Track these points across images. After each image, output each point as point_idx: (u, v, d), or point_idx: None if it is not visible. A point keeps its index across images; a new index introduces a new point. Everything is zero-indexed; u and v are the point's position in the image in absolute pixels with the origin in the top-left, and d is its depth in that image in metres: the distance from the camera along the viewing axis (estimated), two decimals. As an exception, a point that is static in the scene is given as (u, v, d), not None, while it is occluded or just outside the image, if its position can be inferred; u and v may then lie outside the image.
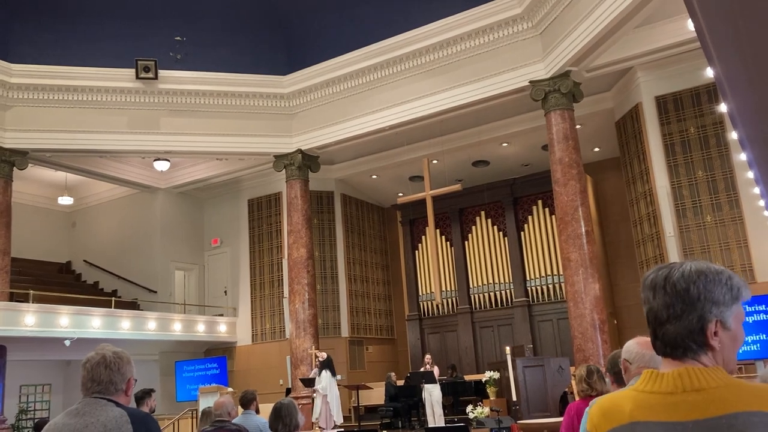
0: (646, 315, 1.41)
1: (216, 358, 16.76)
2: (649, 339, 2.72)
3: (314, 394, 12.92)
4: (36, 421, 13.96)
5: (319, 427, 12.02)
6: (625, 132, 13.92)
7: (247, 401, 6.00)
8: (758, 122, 2.75)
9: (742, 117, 3.03)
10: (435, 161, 15.88)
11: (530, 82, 12.42)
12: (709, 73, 6.25)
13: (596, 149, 16.34)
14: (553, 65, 12.04)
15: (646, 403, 1.31)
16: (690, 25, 6.50)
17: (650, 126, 12.80)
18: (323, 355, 13.01)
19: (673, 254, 12.01)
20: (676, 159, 12.46)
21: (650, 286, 1.38)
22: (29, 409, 15.78)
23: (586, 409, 2.99)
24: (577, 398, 4.45)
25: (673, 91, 12.64)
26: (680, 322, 1.35)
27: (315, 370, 13.32)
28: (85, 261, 18.91)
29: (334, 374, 12.91)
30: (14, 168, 14.09)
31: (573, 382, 11.00)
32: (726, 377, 1.32)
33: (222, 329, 17.60)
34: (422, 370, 13.26)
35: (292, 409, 4.54)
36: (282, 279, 17.01)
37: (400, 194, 16.79)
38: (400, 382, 15.13)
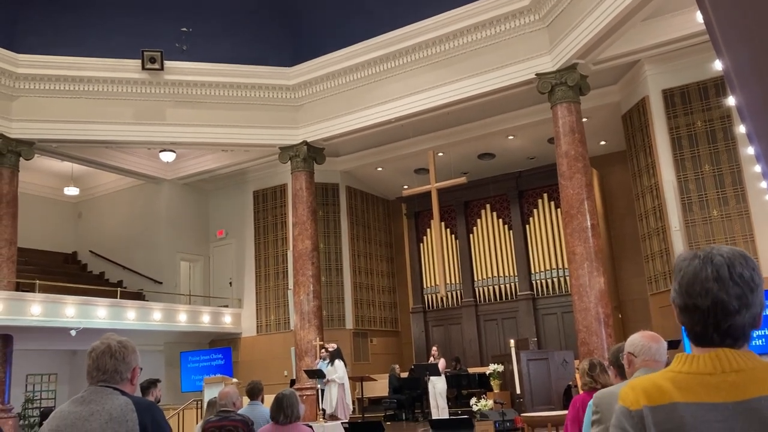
0: (706, 309, 1.33)
1: (221, 349, 16.82)
2: (652, 332, 2.73)
3: (323, 385, 12.82)
4: (42, 409, 14.06)
5: (330, 416, 11.97)
6: (631, 125, 13.86)
7: (256, 392, 6.02)
8: (767, 116, 2.74)
9: (751, 110, 3.01)
10: (441, 154, 15.86)
11: (537, 74, 12.37)
12: (718, 66, 6.22)
13: (602, 143, 16.28)
14: (560, 58, 11.98)
15: (686, 383, 1.30)
16: (698, 17, 6.47)
17: (657, 119, 12.75)
18: (333, 346, 12.93)
19: (679, 248, 11.98)
20: (683, 153, 12.41)
21: (713, 277, 1.33)
22: (35, 398, 15.88)
23: (590, 402, 3.01)
24: (581, 391, 4.47)
25: (680, 84, 12.57)
26: (748, 311, 1.34)
27: (319, 360, 13.32)
28: (90, 251, 18.98)
29: (345, 364, 12.87)
30: (21, 158, 14.13)
31: (577, 376, 11.00)
32: (759, 359, 1.33)
33: (227, 320, 17.66)
34: (430, 361, 13.27)
35: (294, 399, 4.58)
36: (287, 271, 17.04)
37: (406, 187, 16.77)
38: (404, 375, 15.17)
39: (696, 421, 1.25)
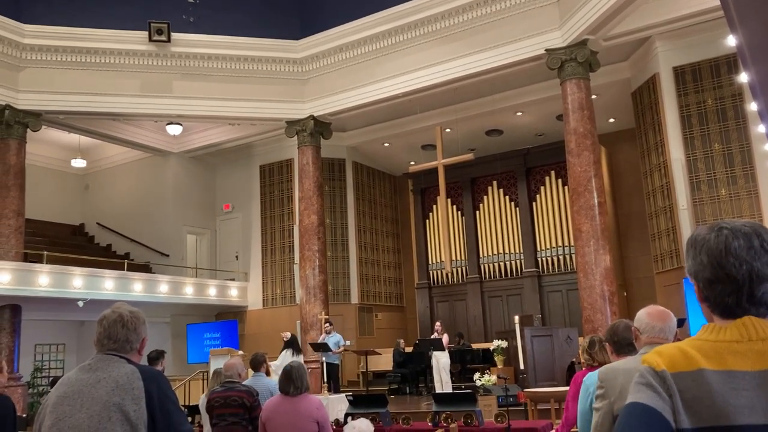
0: (741, 278, 1.33)
1: (227, 321, 16.95)
2: (657, 309, 2.72)
3: (328, 358, 12.66)
4: (51, 378, 14.25)
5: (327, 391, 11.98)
6: (641, 103, 13.74)
7: (257, 363, 6.07)
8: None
9: (763, 87, 2.97)
10: (448, 130, 15.78)
11: (546, 50, 12.24)
12: (730, 42, 6.13)
13: (611, 120, 16.16)
14: (570, 33, 11.85)
15: (713, 351, 1.30)
16: (712, -7, 6.36)
17: (667, 97, 12.62)
18: (287, 335, 11.79)
19: (686, 227, 11.94)
20: (693, 131, 12.30)
21: (747, 246, 1.34)
22: (44, 367, 16.09)
23: (585, 376, 3.02)
24: (583, 368, 4.49)
25: (691, 61, 12.42)
26: None
27: (324, 335, 13.36)
28: (98, 224, 19.06)
29: (298, 352, 11.42)
30: (28, 129, 14.13)
31: (580, 353, 11.05)
32: None
33: (233, 293, 17.77)
34: (433, 336, 13.34)
35: (302, 371, 4.63)
36: (293, 245, 17.10)
37: (412, 163, 16.72)
38: (409, 349, 15.28)
39: (723, 388, 1.25)
